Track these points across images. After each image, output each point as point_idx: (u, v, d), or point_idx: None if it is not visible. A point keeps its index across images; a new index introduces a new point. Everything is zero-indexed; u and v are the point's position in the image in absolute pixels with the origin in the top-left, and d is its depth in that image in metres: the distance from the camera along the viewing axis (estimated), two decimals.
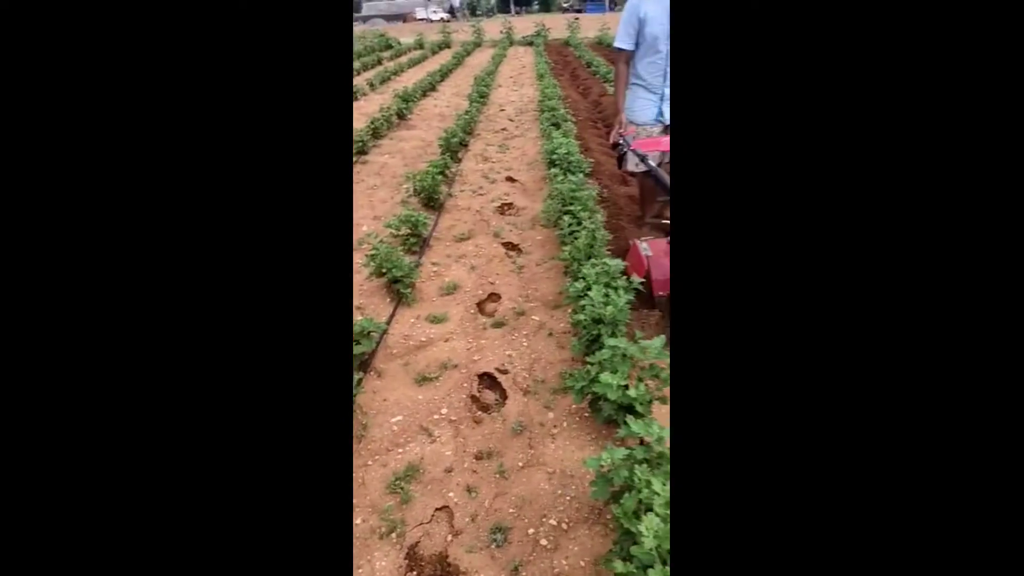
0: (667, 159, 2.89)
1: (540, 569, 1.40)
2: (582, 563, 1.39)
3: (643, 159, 2.46)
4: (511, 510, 1.56)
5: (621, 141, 2.58)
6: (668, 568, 1.06)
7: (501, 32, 15.33)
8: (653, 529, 1.12)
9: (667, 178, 2.29)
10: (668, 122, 2.74)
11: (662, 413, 1.81)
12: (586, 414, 1.88)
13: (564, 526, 1.50)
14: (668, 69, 2.62)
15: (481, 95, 6.97)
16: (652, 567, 1.07)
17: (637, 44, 2.59)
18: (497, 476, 1.68)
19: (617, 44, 2.62)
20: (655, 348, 1.65)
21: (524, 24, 18.79)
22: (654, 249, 2.36)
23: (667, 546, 1.13)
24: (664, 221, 3.04)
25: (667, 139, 2.61)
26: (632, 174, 3.08)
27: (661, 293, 2.24)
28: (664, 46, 2.57)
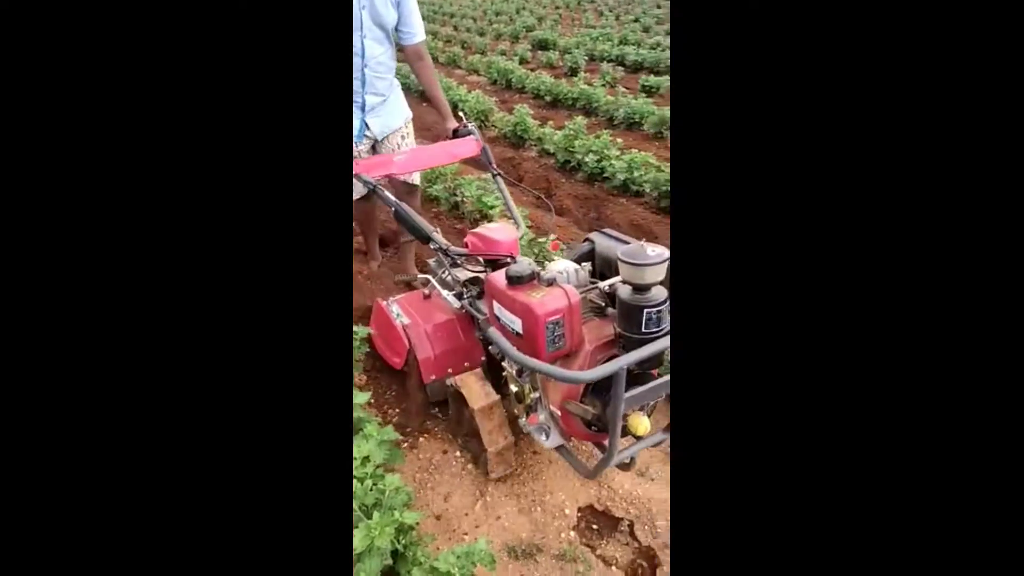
0: (412, 182, 2.17)
1: None
2: None
3: (374, 189, 1.67)
4: None
5: None
6: None
7: None
8: None
9: (412, 213, 1.55)
10: (377, 137, 2.11)
11: None
12: None
13: None
14: (367, 74, 1.97)
15: None
16: None
17: None
18: None
19: None
20: None
21: None
22: (412, 313, 1.64)
23: None
24: (418, 276, 2.15)
25: (401, 159, 1.86)
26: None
27: (434, 377, 1.56)
28: (359, 43, 1.92)
